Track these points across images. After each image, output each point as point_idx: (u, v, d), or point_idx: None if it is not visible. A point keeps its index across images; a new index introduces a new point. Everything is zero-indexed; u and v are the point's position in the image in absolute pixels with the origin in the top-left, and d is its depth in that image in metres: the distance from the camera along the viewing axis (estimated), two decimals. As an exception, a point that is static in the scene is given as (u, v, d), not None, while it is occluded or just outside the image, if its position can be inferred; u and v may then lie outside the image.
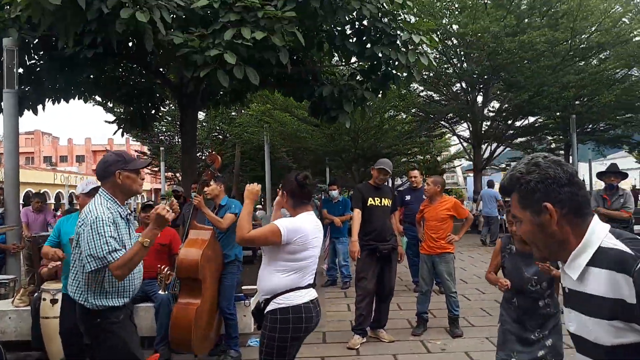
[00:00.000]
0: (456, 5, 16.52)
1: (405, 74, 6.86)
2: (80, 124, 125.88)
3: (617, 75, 17.00)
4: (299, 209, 2.95)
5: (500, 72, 16.66)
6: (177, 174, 24.53)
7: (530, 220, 1.38)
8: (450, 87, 19.42)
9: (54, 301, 4.44)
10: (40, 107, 7.53)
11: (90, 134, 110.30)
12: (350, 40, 6.74)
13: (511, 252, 3.37)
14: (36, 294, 4.77)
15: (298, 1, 5.59)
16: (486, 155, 20.22)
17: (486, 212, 13.54)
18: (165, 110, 18.75)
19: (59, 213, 13.60)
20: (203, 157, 20.19)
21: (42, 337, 4.54)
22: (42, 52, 7.05)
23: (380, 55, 6.57)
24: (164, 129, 23.51)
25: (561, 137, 20.36)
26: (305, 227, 2.84)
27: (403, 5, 6.46)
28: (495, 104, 20.35)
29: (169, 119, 21.93)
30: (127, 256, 2.60)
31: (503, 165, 25.71)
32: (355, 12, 6.32)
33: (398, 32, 6.43)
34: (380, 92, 7.55)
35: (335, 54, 7.54)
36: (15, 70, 5.94)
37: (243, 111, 18.85)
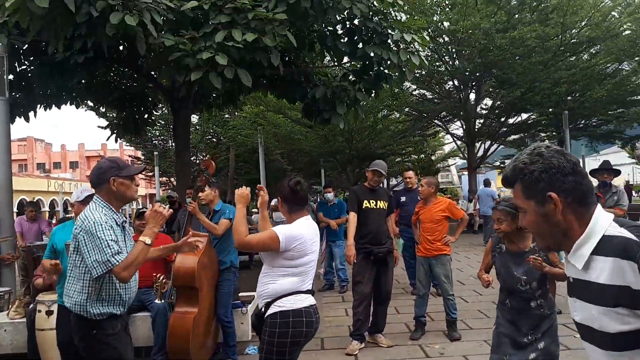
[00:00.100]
0: (447, 2, 16.55)
1: (397, 74, 6.84)
2: (73, 130, 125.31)
3: (608, 70, 17.07)
4: (295, 215, 2.93)
5: (492, 69, 16.71)
6: (172, 179, 24.43)
7: (534, 210, 1.38)
8: (443, 85, 19.47)
9: (49, 313, 4.38)
10: (31, 113, 7.45)
11: (84, 140, 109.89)
12: (342, 41, 6.70)
13: (501, 251, 3.35)
14: (31, 306, 4.72)
15: (289, 2, 5.55)
16: (480, 153, 20.29)
17: (483, 211, 13.54)
18: (158, 114, 18.66)
19: (54, 221, 13.51)
20: (197, 161, 20.13)
21: (38, 349, 4.48)
22: (32, 58, 6.97)
23: (372, 54, 6.54)
24: (158, 133, 23.42)
25: (554, 133, 20.43)
26: (303, 233, 2.82)
27: (394, 4, 6.43)
28: (488, 102, 20.42)
29: (162, 122, 21.85)
30: (131, 256, 2.60)
31: (497, 163, 25.81)
32: (346, 12, 6.28)
33: (389, 31, 6.40)
34: (373, 92, 7.53)
35: (327, 55, 7.51)
36: (5, 77, 5.87)
37: (236, 114, 18.80)
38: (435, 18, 16.38)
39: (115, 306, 2.70)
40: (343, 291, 7.88)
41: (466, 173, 23.30)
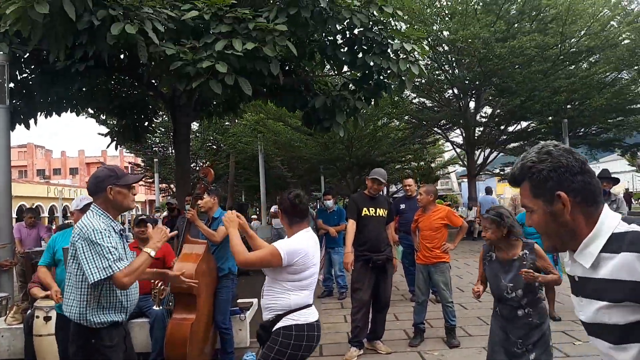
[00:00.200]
0: (446, 12, 16.64)
1: (397, 83, 6.87)
2: (73, 137, 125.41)
3: (607, 79, 17.13)
4: (295, 227, 2.95)
5: (492, 78, 16.76)
6: (172, 185, 24.47)
7: (542, 210, 1.36)
8: (443, 93, 19.52)
9: (47, 318, 4.39)
10: (32, 121, 7.49)
11: (84, 146, 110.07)
12: (342, 50, 6.74)
13: (491, 259, 3.39)
14: (29, 312, 4.72)
15: (289, 12, 5.60)
16: (480, 160, 20.31)
17: (485, 218, 13.52)
18: (158, 121, 18.73)
19: (53, 227, 13.51)
20: (197, 168, 20.16)
21: (35, 355, 4.48)
22: (33, 66, 7.02)
23: (371, 64, 6.58)
24: (158, 140, 23.49)
25: (554, 141, 20.44)
26: (303, 246, 2.84)
27: (393, 14, 6.48)
28: (488, 110, 20.47)
29: (162, 130, 21.92)
30: (135, 264, 2.63)
31: (497, 171, 25.83)
32: (346, 22, 6.32)
33: (389, 41, 6.45)
34: (373, 101, 7.56)
35: (327, 64, 7.55)
36: (6, 85, 5.91)
37: (237, 121, 18.87)
38: (435, 27, 16.45)
39: (117, 313, 2.69)
40: (342, 298, 7.88)
41: (466, 180, 23.32)
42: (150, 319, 4.70)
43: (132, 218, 29.38)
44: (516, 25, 16.22)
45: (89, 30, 5.02)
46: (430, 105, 20.41)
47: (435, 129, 21.07)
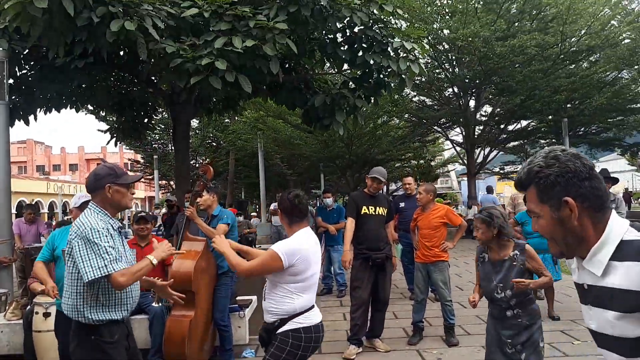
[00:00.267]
0: (447, 10, 16.63)
1: (397, 81, 6.87)
2: (73, 133, 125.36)
3: (607, 78, 17.15)
4: (295, 226, 2.96)
5: (492, 77, 16.76)
6: (171, 182, 24.46)
7: (549, 215, 1.34)
8: (443, 92, 19.52)
9: (46, 314, 4.40)
10: (31, 117, 7.49)
11: (84, 143, 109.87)
12: (342, 48, 6.73)
13: (484, 260, 3.41)
14: (28, 308, 4.73)
15: (289, 10, 5.59)
16: (479, 159, 20.32)
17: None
18: (157, 118, 18.71)
19: (53, 222, 13.52)
20: (197, 165, 20.17)
21: (34, 351, 4.49)
22: (32, 63, 7.01)
23: (372, 62, 6.57)
24: (157, 137, 23.47)
25: (554, 140, 20.46)
26: (302, 246, 2.85)
27: (394, 13, 6.47)
28: (488, 108, 20.47)
29: (162, 126, 21.90)
30: (135, 268, 2.64)
31: (497, 169, 25.84)
32: (346, 20, 6.32)
33: (389, 40, 6.44)
34: (373, 99, 7.56)
35: (327, 62, 7.55)
36: (5, 81, 5.91)
37: (236, 118, 18.86)
38: (435, 26, 16.45)
39: (116, 311, 2.68)
40: (341, 295, 7.90)
41: (465, 179, 23.33)
42: (150, 316, 4.71)
43: (131, 215, 29.37)
44: (516, 24, 16.22)
45: (89, 26, 5.01)
46: (430, 103, 20.40)
47: (435, 127, 21.08)
